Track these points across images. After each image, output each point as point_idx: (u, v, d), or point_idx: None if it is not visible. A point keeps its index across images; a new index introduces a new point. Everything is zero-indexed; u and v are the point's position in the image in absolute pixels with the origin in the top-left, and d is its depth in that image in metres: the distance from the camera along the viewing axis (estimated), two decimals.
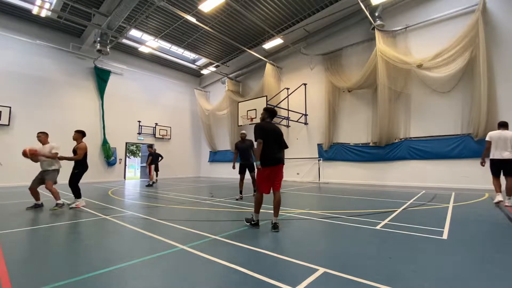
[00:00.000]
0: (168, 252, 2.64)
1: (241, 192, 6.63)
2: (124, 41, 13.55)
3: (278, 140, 3.71)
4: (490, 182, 6.12)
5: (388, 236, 3.14)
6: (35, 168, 6.19)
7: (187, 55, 16.70)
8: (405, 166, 9.81)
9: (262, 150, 3.56)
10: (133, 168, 24.46)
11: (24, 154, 5.25)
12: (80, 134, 6.02)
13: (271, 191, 3.69)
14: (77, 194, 5.73)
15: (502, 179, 5.31)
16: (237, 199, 6.42)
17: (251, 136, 13.86)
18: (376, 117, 10.28)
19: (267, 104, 10.96)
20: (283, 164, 3.75)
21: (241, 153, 6.68)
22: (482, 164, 5.53)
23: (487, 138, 5.48)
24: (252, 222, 3.66)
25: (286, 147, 3.83)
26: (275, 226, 3.48)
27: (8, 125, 11.02)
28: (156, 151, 11.68)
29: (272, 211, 3.57)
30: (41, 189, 6.07)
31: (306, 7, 11.00)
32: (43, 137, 5.81)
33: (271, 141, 3.63)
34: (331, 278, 2.01)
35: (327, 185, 10.58)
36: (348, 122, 11.53)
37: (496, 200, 5.35)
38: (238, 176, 6.81)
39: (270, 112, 3.88)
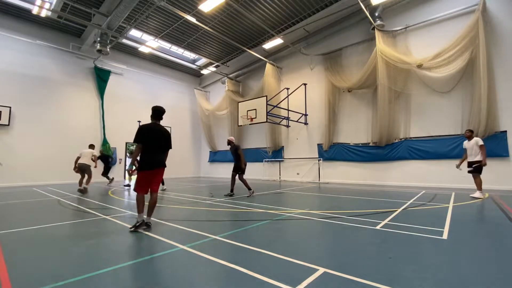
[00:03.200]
0: (168, 252, 2.64)
1: (232, 190, 7.29)
2: (124, 41, 13.56)
3: (159, 142, 3.66)
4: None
5: (388, 236, 3.13)
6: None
7: (187, 55, 16.70)
8: (405, 166, 9.81)
9: (141, 154, 3.55)
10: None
11: None
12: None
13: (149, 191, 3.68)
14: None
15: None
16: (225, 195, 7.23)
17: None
18: (376, 117, 10.28)
19: (267, 104, 10.96)
20: (164, 167, 3.78)
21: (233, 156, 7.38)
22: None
23: (483, 143, 6.20)
24: (137, 224, 3.47)
25: (169, 148, 3.83)
26: (147, 225, 3.48)
27: (8, 125, 11.02)
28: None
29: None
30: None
31: (306, 7, 11.00)
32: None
33: (152, 144, 3.58)
34: (331, 278, 2.01)
35: (327, 185, 10.58)
36: (348, 122, 11.53)
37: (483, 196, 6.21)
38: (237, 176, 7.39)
39: (153, 111, 3.76)
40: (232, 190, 7.22)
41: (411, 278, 2.00)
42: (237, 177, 7.20)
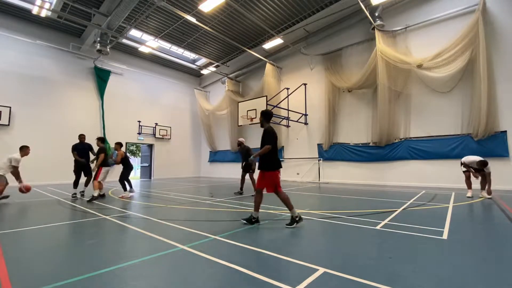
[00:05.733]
0: (168, 252, 2.64)
1: (241, 189, 7.62)
2: (124, 41, 13.55)
3: (277, 144, 3.95)
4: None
5: (388, 236, 3.14)
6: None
7: (187, 55, 16.70)
8: (405, 166, 9.81)
9: (272, 155, 3.76)
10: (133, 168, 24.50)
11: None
12: (117, 145, 7.34)
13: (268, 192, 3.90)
14: (123, 188, 7.17)
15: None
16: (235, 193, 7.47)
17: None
18: (376, 117, 10.28)
19: (267, 104, 10.96)
20: None
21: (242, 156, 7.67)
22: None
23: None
24: (253, 220, 3.76)
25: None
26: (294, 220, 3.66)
27: (8, 125, 11.02)
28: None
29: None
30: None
31: (306, 7, 11.00)
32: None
33: (276, 145, 3.85)
34: (331, 278, 2.01)
35: (327, 185, 10.58)
36: (348, 122, 11.53)
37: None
38: (239, 176, 7.71)
39: (268, 115, 4.01)
40: (241, 189, 7.59)
41: (411, 278, 2.00)
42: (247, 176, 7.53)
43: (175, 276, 2.11)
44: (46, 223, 4.06)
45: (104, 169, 6.91)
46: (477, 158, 6.13)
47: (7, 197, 6.27)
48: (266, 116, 3.98)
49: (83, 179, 7.24)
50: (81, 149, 7.15)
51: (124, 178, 7.24)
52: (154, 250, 2.71)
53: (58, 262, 2.44)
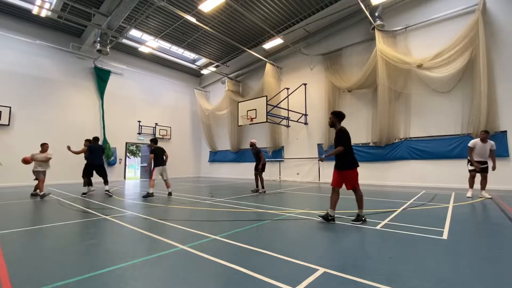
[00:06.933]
0: (168, 252, 2.64)
1: (257, 186, 7.97)
2: (124, 41, 13.55)
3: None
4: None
5: (388, 236, 3.14)
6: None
7: (187, 55, 16.70)
8: (405, 166, 9.81)
9: (352, 153, 3.85)
10: (133, 168, 24.50)
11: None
12: (86, 142, 8.00)
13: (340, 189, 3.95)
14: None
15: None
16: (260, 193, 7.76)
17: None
18: (376, 117, 10.28)
19: (267, 104, 10.96)
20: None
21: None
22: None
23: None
24: (330, 218, 3.79)
25: None
26: (360, 218, 3.81)
27: (8, 125, 11.02)
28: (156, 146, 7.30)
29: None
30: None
31: (306, 7, 11.00)
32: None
33: (351, 145, 3.93)
34: (331, 278, 2.01)
35: (327, 185, 10.58)
36: (348, 122, 11.37)
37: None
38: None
39: (342, 116, 4.09)
40: (263, 187, 7.96)
41: (411, 278, 2.00)
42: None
43: (175, 276, 2.11)
44: (46, 223, 4.07)
45: (156, 169, 7.16)
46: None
47: (47, 194, 7.14)
48: (339, 116, 4.05)
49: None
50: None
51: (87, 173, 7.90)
52: (154, 250, 2.71)
53: (58, 262, 2.44)
